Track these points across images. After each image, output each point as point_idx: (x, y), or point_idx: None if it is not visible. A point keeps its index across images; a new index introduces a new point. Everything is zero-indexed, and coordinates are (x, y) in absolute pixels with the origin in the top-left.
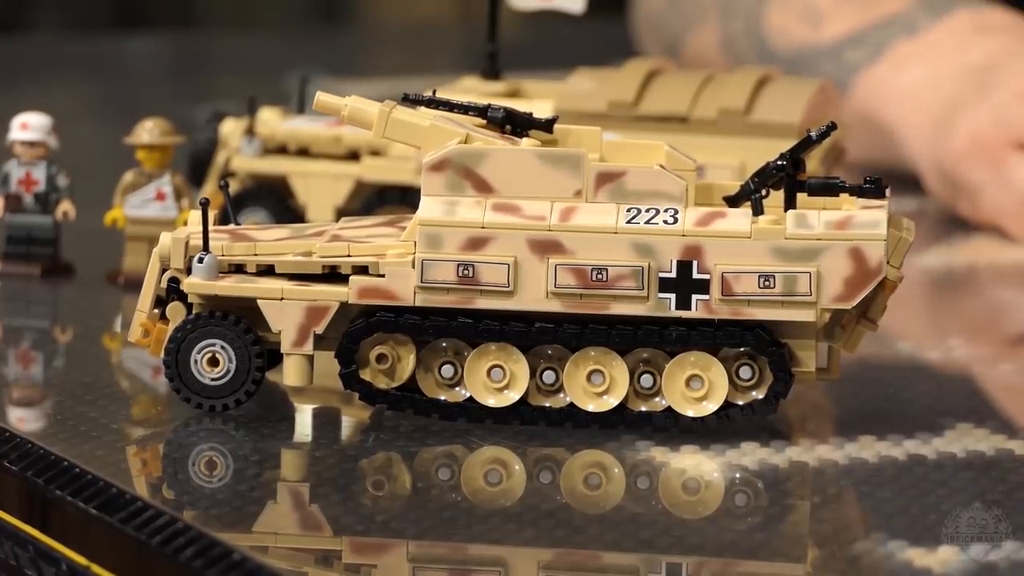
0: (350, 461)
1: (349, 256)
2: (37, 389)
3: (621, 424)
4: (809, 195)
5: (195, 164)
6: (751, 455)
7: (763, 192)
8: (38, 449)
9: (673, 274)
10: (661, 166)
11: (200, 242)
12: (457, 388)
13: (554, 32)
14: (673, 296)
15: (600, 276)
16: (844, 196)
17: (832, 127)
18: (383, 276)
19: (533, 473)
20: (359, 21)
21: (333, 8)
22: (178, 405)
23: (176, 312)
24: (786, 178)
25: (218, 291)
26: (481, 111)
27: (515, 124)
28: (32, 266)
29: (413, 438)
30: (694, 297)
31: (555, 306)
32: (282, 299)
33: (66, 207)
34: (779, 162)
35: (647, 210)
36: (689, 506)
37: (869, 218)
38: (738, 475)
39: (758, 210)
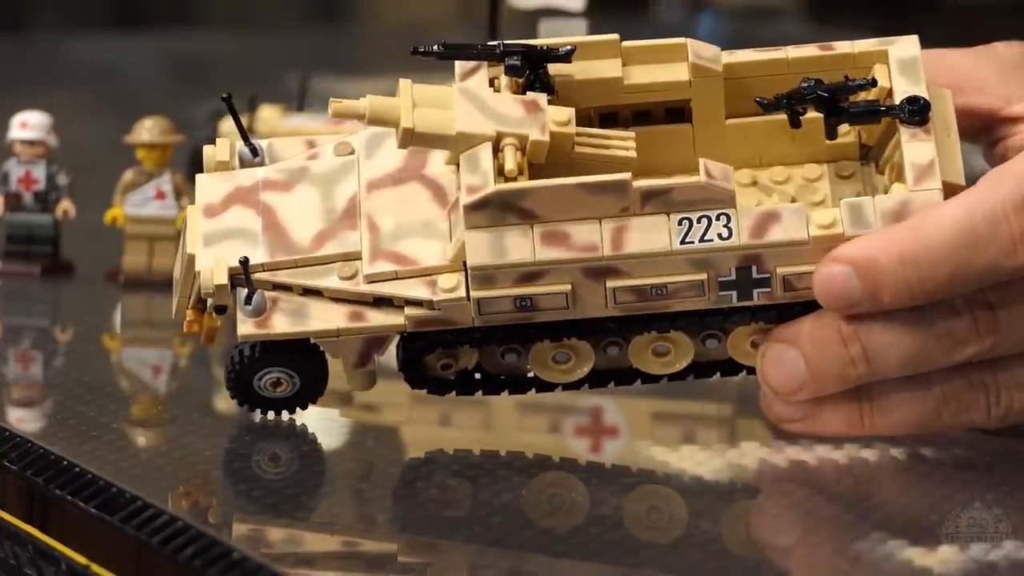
0: (354, 461)
1: (398, 293)
2: (37, 389)
3: (691, 375)
4: (850, 124)
5: (195, 162)
6: (751, 455)
7: (801, 109)
8: (38, 449)
9: (733, 277)
10: (708, 175)
11: (242, 276)
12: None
13: (554, 32)
14: (734, 293)
15: (660, 291)
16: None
17: (872, 82)
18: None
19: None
20: (359, 20)
21: (333, 7)
22: (178, 404)
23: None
24: (824, 104)
25: (272, 337)
26: (498, 57)
27: (533, 61)
28: (32, 265)
29: (421, 440)
30: (755, 291)
31: (615, 313)
32: (339, 336)
33: (66, 206)
34: (810, 84)
35: (699, 220)
36: (689, 504)
37: (926, 200)
38: (738, 475)
39: (795, 123)
